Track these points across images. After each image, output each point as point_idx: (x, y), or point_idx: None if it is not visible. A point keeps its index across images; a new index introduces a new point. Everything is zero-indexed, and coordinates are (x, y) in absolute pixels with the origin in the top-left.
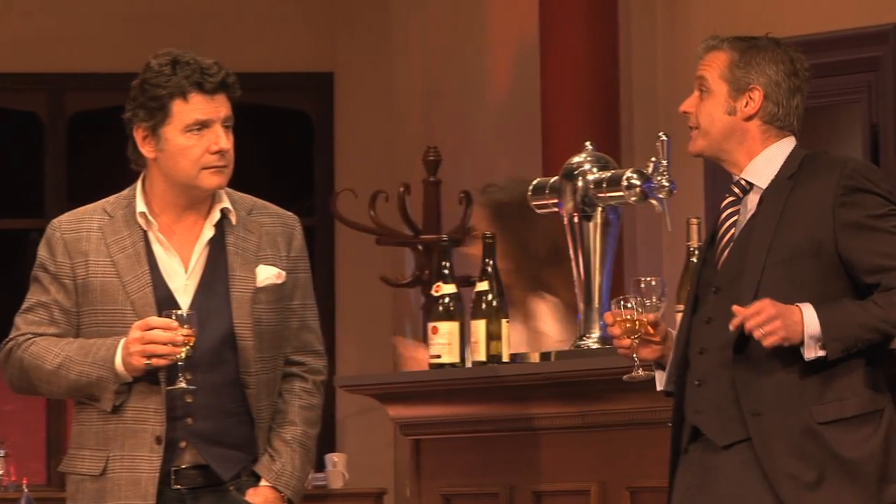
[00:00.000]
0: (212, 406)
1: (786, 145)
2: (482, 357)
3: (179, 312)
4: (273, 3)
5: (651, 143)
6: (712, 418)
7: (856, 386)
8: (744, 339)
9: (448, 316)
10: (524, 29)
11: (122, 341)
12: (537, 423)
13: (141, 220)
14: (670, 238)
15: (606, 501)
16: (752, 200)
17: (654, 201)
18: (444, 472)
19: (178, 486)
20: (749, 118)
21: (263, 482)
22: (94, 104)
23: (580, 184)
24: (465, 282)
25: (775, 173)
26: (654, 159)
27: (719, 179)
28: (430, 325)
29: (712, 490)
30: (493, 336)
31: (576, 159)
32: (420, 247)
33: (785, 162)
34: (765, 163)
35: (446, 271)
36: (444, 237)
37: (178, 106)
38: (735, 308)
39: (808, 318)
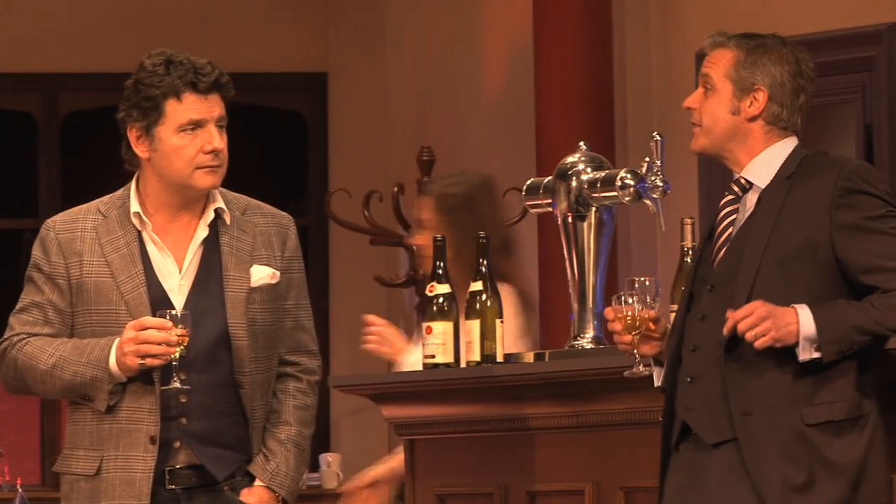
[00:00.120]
0: (206, 406)
1: (787, 145)
2: (476, 357)
3: (173, 312)
4: (267, 4)
5: (645, 143)
6: (703, 416)
7: (846, 389)
8: (737, 338)
9: (442, 316)
10: (518, 29)
11: (117, 341)
12: (531, 422)
13: (135, 220)
14: (664, 238)
15: (601, 501)
16: (751, 199)
17: (647, 201)
18: (438, 471)
19: (173, 486)
20: (753, 119)
21: (258, 482)
22: (87, 104)
23: (574, 184)
24: None
25: (775, 173)
26: (647, 159)
27: (714, 179)
28: (425, 324)
29: (702, 490)
30: (487, 336)
31: (570, 159)
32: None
33: (784, 162)
34: (765, 162)
35: (440, 271)
36: (438, 237)
37: (171, 106)
38: (728, 313)
39: (804, 319)
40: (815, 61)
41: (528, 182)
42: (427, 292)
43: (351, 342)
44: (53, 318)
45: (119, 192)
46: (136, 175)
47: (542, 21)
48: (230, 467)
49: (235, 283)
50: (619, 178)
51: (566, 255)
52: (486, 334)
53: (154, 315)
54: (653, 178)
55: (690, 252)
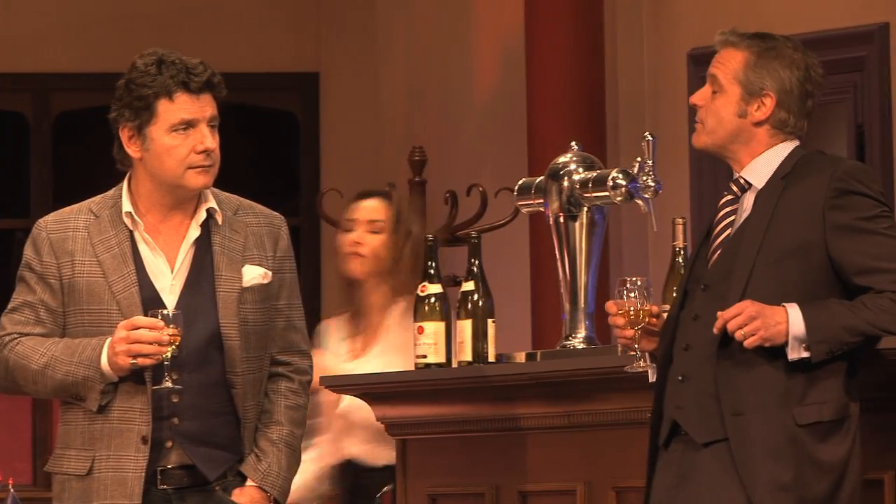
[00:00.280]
0: (198, 406)
1: (788, 146)
2: (468, 357)
3: (165, 312)
4: (259, 4)
5: (637, 144)
6: (693, 415)
7: (835, 389)
8: (728, 338)
9: (434, 316)
10: (510, 29)
11: (108, 341)
12: (523, 423)
13: (127, 220)
14: (656, 238)
15: (592, 501)
16: (749, 200)
17: (639, 201)
18: (429, 471)
19: (164, 486)
20: (759, 123)
21: (249, 482)
22: (79, 104)
23: (566, 184)
24: (452, 282)
25: (772, 173)
26: (639, 159)
27: (705, 179)
28: (416, 324)
29: (691, 489)
30: (478, 336)
31: (561, 159)
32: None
33: (782, 162)
34: (764, 163)
35: (432, 271)
36: (430, 237)
37: (163, 105)
38: (718, 313)
39: (794, 318)
40: None
41: (520, 182)
42: (419, 292)
43: None
44: (45, 318)
45: (111, 192)
46: (127, 175)
47: (533, 21)
48: (222, 467)
49: (227, 283)
50: (610, 178)
51: (558, 255)
52: (478, 334)
53: (146, 315)
54: (644, 178)
55: (682, 252)
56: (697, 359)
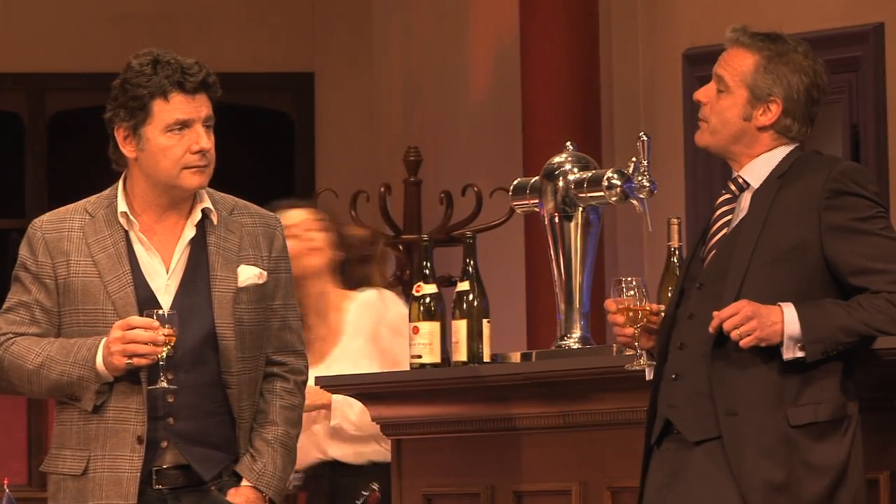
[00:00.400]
0: (193, 406)
1: (787, 148)
2: (463, 357)
3: (160, 312)
4: (254, 4)
5: (632, 144)
6: (686, 413)
7: (831, 389)
8: (724, 337)
9: (429, 316)
10: (505, 29)
11: (104, 341)
12: (518, 423)
13: (122, 220)
14: (651, 238)
15: (588, 501)
16: (746, 199)
17: (634, 201)
18: (425, 472)
19: (160, 486)
20: (763, 128)
21: (245, 482)
22: (74, 104)
23: (561, 184)
24: (447, 282)
25: (768, 174)
26: (634, 159)
27: (700, 180)
28: (411, 325)
29: (683, 487)
30: (474, 336)
31: (556, 159)
32: (401, 247)
33: (779, 163)
34: (763, 164)
35: (427, 271)
36: (425, 237)
37: (158, 106)
38: (714, 312)
39: (789, 318)
40: None
41: (515, 182)
42: (414, 292)
43: None
44: (40, 318)
45: (106, 192)
46: (123, 175)
47: (528, 21)
48: (217, 467)
49: (222, 283)
50: (605, 178)
51: (553, 256)
52: (473, 334)
53: (141, 315)
54: (639, 178)
55: (677, 252)
56: (691, 357)
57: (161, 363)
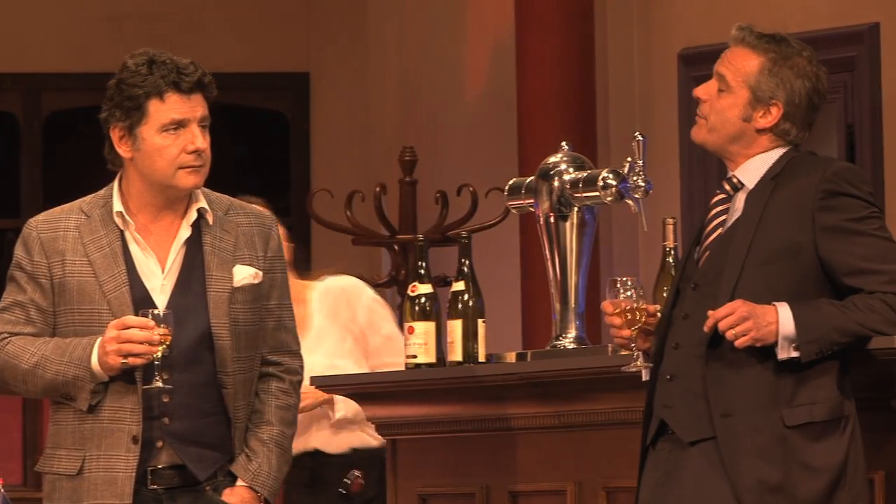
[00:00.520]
0: (188, 406)
1: (783, 149)
2: (458, 357)
3: (156, 312)
4: (249, 4)
5: (627, 144)
6: (681, 413)
7: (827, 389)
8: (718, 337)
9: (424, 316)
10: (500, 29)
11: (99, 340)
12: (513, 423)
13: (118, 220)
14: (646, 238)
15: (583, 501)
16: (741, 200)
17: (629, 201)
18: (420, 471)
19: (155, 486)
20: (762, 130)
21: (240, 482)
22: (70, 104)
23: (556, 184)
24: (442, 282)
25: (763, 174)
26: (629, 159)
27: (695, 180)
28: (407, 324)
29: (678, 487)
30: (469, 336)
31: (552, 159)
32: (396, 247)
33: (773, 164)
34: (758, 164)
35: (422, 271)
36: (420, 237)
37: (154, 106)
38: (709, 312)
39: (784, 318)
40: None
41: (511, 182)
42: (409, 292)
43: None
44: (36, 318)
45: (102, 192)
46: (118, 175)
47: (524, 21)
48: (212, 467)
49: (218, 282)
50: (601, 178)
51: (548, 256)
52: (468, 334)
53: (136, 314)
54: (635, 178)
55: (672, 252)
56: (686, 357)
57: (156, 363)
